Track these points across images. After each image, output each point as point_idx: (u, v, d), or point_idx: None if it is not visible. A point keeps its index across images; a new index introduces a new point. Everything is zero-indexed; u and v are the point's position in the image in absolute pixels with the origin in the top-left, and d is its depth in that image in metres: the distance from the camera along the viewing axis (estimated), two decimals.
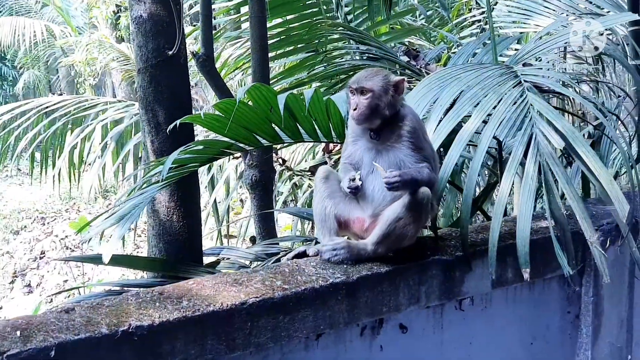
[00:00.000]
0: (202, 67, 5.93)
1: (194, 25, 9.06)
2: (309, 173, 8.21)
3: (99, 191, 14.19)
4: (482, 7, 8.40)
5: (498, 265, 3.40)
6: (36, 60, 24.79)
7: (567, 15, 5.68)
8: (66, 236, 15.26)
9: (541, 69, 4.49)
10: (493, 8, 6.35)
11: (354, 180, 3.31)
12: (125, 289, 4.26)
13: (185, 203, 4.99)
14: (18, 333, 2.51)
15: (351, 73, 5.65)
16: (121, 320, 2.68)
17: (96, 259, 4.25)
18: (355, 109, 3.34)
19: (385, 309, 3.33)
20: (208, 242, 9.21)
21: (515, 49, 5.62)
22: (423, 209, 3.30)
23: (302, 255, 3.47)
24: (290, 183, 8.71)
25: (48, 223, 16.45)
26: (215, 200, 8.92)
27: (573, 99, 4.90)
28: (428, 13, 9.26)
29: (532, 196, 3.35)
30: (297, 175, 8.60)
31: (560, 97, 5.46)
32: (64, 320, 2.63)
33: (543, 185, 3.39)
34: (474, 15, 8.99)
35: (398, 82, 3.39)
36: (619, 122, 4.80)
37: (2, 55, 26.59)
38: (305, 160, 8.84)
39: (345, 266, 3.27)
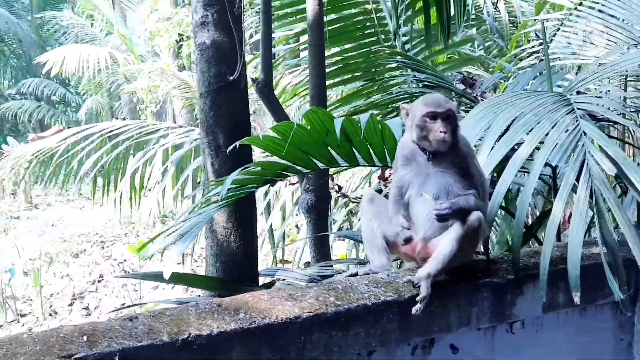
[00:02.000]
0: (261, 93, 6.05)
1: (254, 54, 9.24)
2: None
3: (157, 216, 14.44)
4: (541, 39, 8.40)
5: (549, 289, 3.42)
6: (99, 87, 25.38)
7: (627, 47, 5.67)
8: (125, 260, 15.52)
9: (596, 97, 4.51)
10: (551, 39, 6.39)
11: (405, 229, 3.41)
12: None
13: (242, 224, 5.11)
14: (85, 338, 2.65)
15: (407, 101, 5.72)
16: (181, 329, 2.79)
17: (157, 277, 4.37)
18: (445, 133, 3.33)
19: (436, 329, 3.38)
20: (263, 267, 9.30)
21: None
22: (477, 235, 3.36)
23: (354, 276, 3.52)
24: (345, 210, 8.77)
25: (107, 247, 16.75)
26: (271, 226, 9.01)
27: (634, 130, 4.90)
28: (487, 44, 9.30)
29: (583, 220, 3.37)
30: (353, 202, 8.65)
31: (615, 126, 5.45)
32: (128, 327, 2.75)
33: (594, 210, 3.42)
34: (533, 47, 9.00)
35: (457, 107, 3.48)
36: None
37: (67, 81, 27.36)
38: (362, 188, 8.89)
39: (397, 285, 3.33)
